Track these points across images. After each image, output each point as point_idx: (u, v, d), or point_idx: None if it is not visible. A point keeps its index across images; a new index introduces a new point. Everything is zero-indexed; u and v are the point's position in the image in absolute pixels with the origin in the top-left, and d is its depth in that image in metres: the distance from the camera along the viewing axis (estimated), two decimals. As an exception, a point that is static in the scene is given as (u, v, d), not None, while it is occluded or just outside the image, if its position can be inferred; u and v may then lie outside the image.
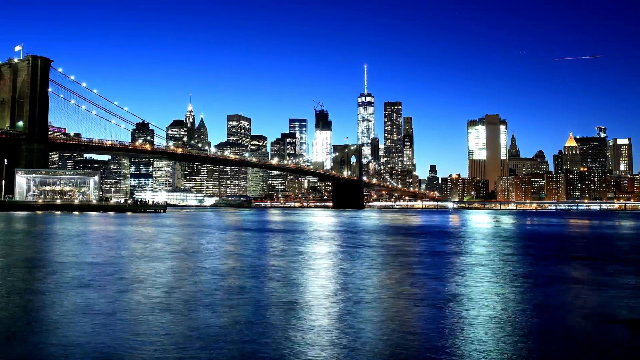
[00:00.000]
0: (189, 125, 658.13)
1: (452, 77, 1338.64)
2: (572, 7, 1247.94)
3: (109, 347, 14.32)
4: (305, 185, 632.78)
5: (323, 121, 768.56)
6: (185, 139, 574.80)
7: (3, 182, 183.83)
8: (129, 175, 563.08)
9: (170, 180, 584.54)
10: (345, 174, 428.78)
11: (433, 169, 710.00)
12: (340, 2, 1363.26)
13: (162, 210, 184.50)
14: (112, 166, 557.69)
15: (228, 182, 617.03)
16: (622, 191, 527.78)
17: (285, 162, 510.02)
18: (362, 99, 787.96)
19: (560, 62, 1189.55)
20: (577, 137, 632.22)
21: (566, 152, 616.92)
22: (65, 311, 18.89)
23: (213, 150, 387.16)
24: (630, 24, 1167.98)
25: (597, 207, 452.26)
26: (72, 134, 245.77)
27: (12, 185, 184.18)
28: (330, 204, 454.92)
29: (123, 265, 32.03)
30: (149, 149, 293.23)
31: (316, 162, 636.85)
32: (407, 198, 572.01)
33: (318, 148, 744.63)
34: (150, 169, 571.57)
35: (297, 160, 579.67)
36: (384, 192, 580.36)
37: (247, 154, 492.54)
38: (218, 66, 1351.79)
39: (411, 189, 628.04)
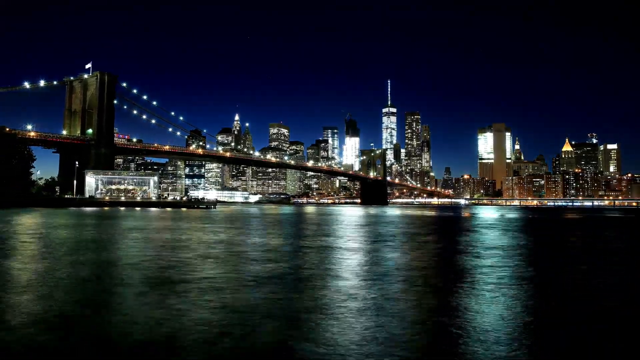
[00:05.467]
0: (236, 132, 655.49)
1: (464, 91, 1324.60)
2: (571, 28, 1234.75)
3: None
4: (337, 185, 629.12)
5: (352, 128, 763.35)
6: (232, 144, 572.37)
7: (75, 181, 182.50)
8: (183, 176, 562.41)
9: (220, 180, 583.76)
10: (372, 174, 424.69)
11: (447, 170, 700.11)
12: (367, 27, 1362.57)
13: (212, 206, 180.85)
14: (169, 168, 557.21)
15: (270, 181, 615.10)
16: (612, 190, 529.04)
17: (319, 164, 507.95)
18: (386, 110, 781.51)
19: (560, 76, 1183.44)
20: (573, 142, 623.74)
21: (563, 156, 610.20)
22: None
23: (257, 154, 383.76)
24: (621, 44, 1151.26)
25: (590, 204, 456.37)
26: (134, 140, 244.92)
27: (83, 185, 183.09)
28: (359, 200, 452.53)
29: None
30: (202, 153, 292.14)
31: (346, 164, 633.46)
32: (425, 195, 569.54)
33: (348, 152, 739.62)
34: (203, 170, 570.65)
35: (329, 162, 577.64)
36: (405, 190, 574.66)
37: (286, 157, 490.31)
38: (261, 81, 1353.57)
39: (428, 187, 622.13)
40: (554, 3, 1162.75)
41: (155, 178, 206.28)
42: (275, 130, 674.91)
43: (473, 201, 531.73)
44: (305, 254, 27.70)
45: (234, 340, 10.75)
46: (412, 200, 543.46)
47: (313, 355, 9.78)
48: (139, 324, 11.96)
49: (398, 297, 15.48)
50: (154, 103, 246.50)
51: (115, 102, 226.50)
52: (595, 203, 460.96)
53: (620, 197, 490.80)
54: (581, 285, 19.26)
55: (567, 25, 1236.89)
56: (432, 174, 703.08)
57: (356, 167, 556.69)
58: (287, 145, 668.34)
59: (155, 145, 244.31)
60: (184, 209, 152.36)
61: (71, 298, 15.26)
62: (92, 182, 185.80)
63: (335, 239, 38.61)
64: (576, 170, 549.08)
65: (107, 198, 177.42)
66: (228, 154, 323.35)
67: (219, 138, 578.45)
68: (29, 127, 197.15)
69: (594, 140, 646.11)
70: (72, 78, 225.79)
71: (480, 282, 18.65)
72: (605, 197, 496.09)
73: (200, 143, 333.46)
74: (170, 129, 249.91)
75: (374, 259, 26.10)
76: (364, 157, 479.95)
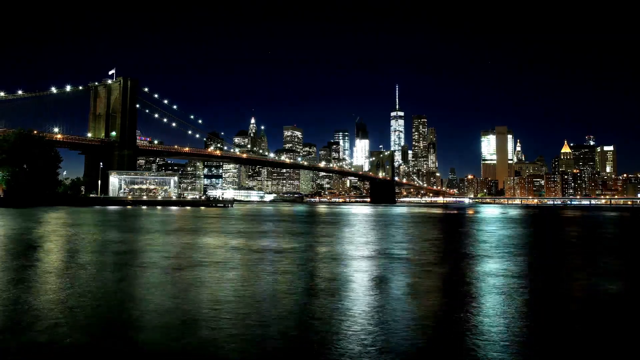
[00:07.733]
0: (252, 134, 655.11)
1: (468, 95, 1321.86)
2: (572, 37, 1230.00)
3: None
4: (347, 184, 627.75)
5: (362, 131, 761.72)
6: (249, 146, 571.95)
7: (99, 181, 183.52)
8: (202, 176, 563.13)
9: (237, 180, 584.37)
10: (380, 175, 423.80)
11: (452, 171, 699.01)
12: (376, 36, 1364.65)
13: (230, 205, 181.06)
14: (188, 168, 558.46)
15: (284, 181, 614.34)
16: (608, 189, 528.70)
17: (331, 165, 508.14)
18: (394, 114, 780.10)
19: (559, 82, 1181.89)
20: (571, 144, 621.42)
21: (562, 157, 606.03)
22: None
23: (272, 155, 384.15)
24: (617, 49, 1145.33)
25: (587, 202, 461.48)
26: (156, 142, 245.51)
27: (107, 184, 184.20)
28: (368, 199, 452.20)
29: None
30: (219, 154, 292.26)
31: (356, 165, 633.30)
32: (431, 195, 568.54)
33: (358, 154, 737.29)
34: (220, 170, 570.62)
35: (340, 163, 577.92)
36: (412, 190, 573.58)
37: (299, 159, 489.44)
38: (276, 86, 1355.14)
39: (434, 187, 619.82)
40: (553, 8, 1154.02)
41: (176, 178, 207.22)
42: (289, 133, 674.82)
43: (477, 200, 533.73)
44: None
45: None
46: (419, 199, 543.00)
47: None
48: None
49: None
50: (174, 107, 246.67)
51: (137, 106, 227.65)
52: (593, 202, 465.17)
53: (616, 196, 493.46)
54: (581, 284, 19.03)
55: (566, 31, 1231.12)
56: (437, 174, 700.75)
57: (366, 168, 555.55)
58: (301, 147, 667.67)
59: (176, 147, 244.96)
60: (202, 208, 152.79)
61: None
62: (115, 182, 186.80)
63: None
64: (574, 171, 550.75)
65: (129, 197, 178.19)
66: (244, 156, 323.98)
67: (236, 140, 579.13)
68: (56, 130, 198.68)
69: (592, 142, 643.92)
70: (96, 83, 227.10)
71: (480, 281, 18.47)
72: (602, 196, 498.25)
73: (218, 145, 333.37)
74: (189, 132, 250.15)
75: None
76: (373, 159, 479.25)
